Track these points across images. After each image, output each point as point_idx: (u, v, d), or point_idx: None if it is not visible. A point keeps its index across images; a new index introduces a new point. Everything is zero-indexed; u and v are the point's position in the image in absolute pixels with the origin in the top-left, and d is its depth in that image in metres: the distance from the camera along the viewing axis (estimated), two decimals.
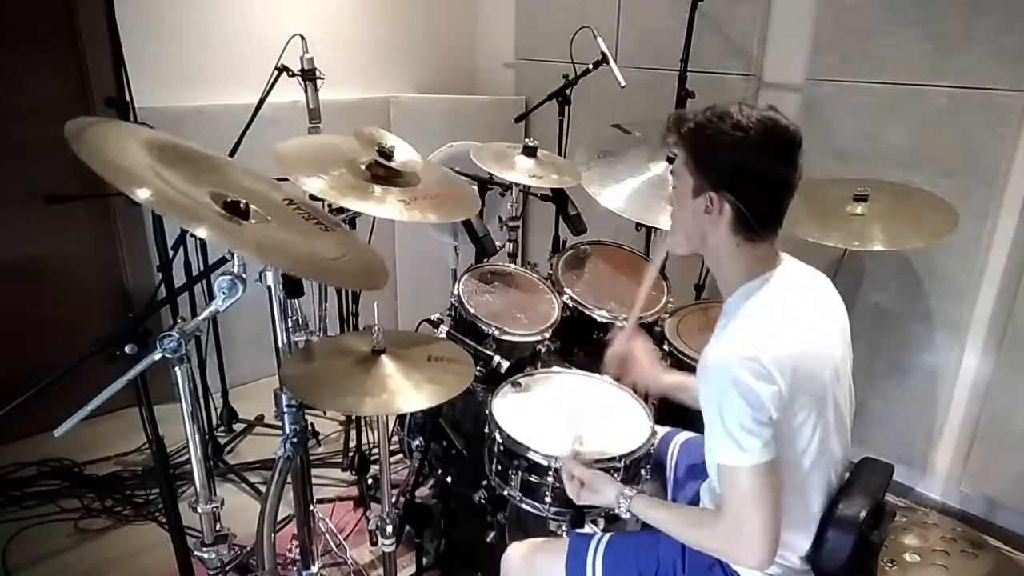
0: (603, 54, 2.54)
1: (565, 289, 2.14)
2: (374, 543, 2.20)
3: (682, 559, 1.34)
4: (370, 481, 2.41)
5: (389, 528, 1.65)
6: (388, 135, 1.79)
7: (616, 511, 1.36)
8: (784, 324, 1.18)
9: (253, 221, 1.27)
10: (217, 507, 1.46)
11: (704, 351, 1.22)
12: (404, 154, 1.77)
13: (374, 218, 2.33)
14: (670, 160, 1.29)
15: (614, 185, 2.26)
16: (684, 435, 1.72)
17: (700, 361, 1.23)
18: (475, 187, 2.25)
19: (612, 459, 1.54)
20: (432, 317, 1.92)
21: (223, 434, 2.83)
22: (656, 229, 2.55)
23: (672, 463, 1.68)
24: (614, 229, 2.51)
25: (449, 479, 2.01)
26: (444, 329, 1.87)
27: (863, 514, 1.24)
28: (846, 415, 1.30)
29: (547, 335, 1.98)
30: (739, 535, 1.14)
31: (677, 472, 1.65)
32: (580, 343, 2.14)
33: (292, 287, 1.43)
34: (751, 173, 1.18)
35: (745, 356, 1.12)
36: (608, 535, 1.43)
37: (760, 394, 1.11)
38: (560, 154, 2.76)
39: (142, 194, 1.09)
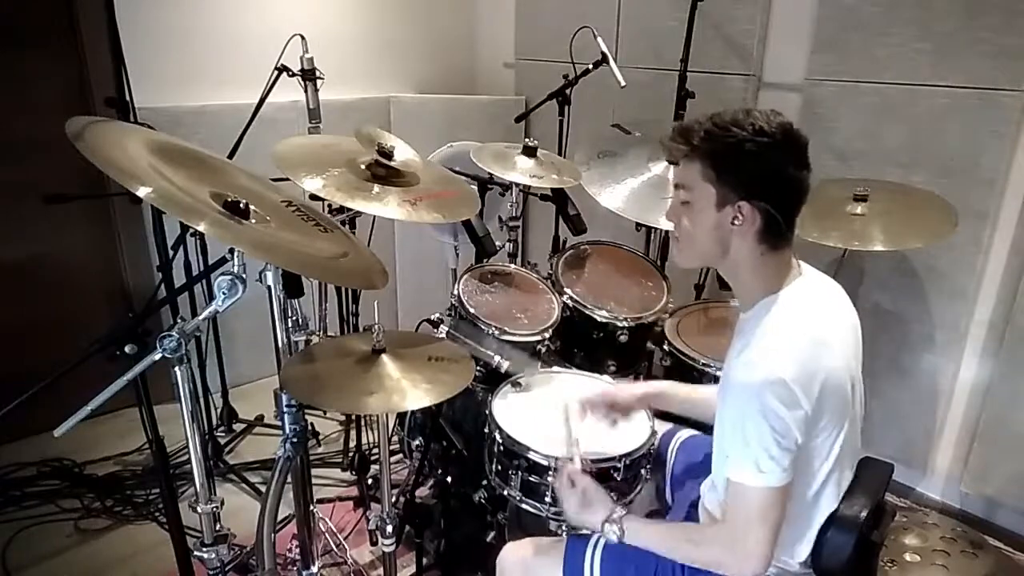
0: (603, 54, 2.54)
1: (565, 289, 2.14)
2: (374, 543, 2.20)
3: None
4: (370, 481, 2.41)
5: (389, 528, 1.65)
6: (387, 135, 1.79)
7: (603, 534, 1.33)
8: (807, 340, 1.16)
9: (253, 221, 1.28)
10: (217, 507, 1.46)
11: (726, 368, 1.22)
12: (404, 154, 1.77)
13: (374, 218, 2.34)
14: (673, 163, 1.26)
15: (614, 185, 2.27)
16: (685, 432, 1.72)
17: (723, 378, 1.22)
18: (475, 187, 2.25)
19: (612, 459, 1.54)
20: (432, 317, 1.92)
21: (223, 434, 2.83)
22: (656, 229, 2.55)
23: (671, 460, 1.68)
24: (614, 229, 2.51)
25: (449, 479, 2.01)
26: (444, 329, 1.87)
27: (864, 514, 1.24)
28: (858, 423, 1.30)
29: (547, 335, 1.98)
30: (742, 549, 1.15)
31: (676, 469, 1.66)
32: (580, 343, 2.14)
33: (292, 287, 1.43)
34: (781, 178, 1.17)
35: (771, 380, 1.10)
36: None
37: (787, 420, 1.11)
38: (560, 154, 2.76)
39: (144, 191, 1.10)
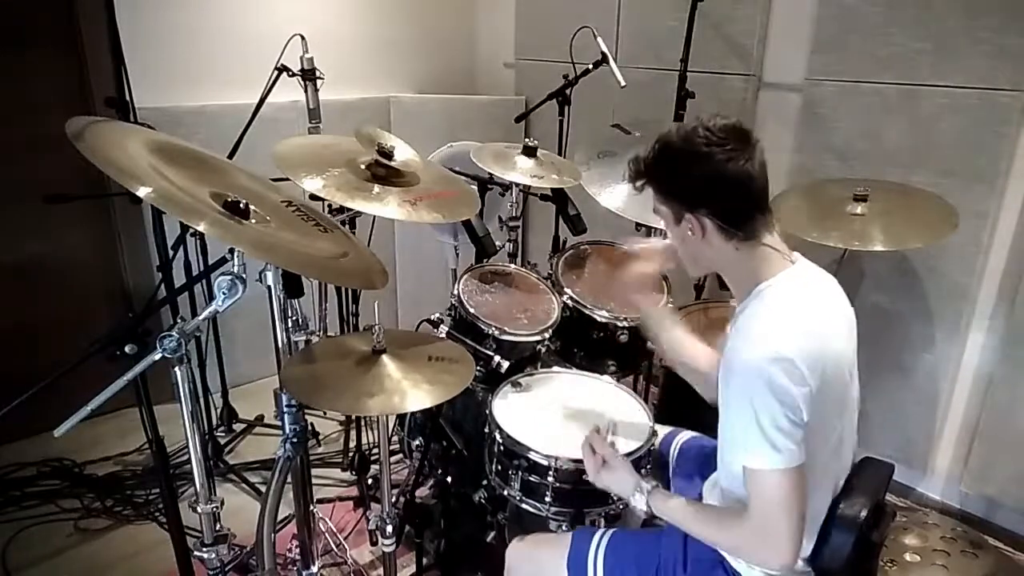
0: (603, 54, 2.54)
1: (565, 289, 2.13)
2: (374, 543, 2.20)
3: (684, 557, 1.34)
4: (370, 481, 2.41)
5: (389, 528, 1.65)
6: (387, 135, 1.79)
7: (631, 503, 1.36)
8: (807, 323, 1.17)
9: (253, 221, 1.28)
10: (217, 507, 1.46)
11: (725, 354, 1.21)
12: (404, 154, 1.77)
13: (374, 218, 2.34)
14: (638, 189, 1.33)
15: (614, 185, 2.27)
16: (686, 434, 1.72)
17: (723, 362, 1.22)
18: (475, 187, 2.25)
19: None
20: (432, 317, 1.92)
21: (223, 434, 2.83)
22: (656, 229, 2.55)
23: (673, 462, 1.68)
24: (614, 229, 2.51)
25: (449, 479, 2.01)
26: (444, 329, 1.87)
27: (864, 514, 1.24)
28: (855, 415, 1.30)
29: (547, 335, 1.98)
30: (766, 539, 1.14)
31: (678, 471, 1.66)
32: (580, 343, 2.14)
33: (292, 287, 1.43)
34: (710, 182, 1.20)
35: (778, 356, 1.11)
36: (610, 532, 1.43)
37: (795, 396, 1.11)
38: (560, 154, 2.76)
39: (144, 191, 1.10)
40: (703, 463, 1.56)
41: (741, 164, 1.18)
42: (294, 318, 1.51)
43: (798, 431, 1.12)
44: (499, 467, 1.67)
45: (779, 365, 1.10)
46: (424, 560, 2.00)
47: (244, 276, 1.27)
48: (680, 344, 1.56)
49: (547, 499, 1.60)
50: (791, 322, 1.17)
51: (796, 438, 1.12)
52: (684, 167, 1.21)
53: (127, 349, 1.27)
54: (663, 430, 1.72)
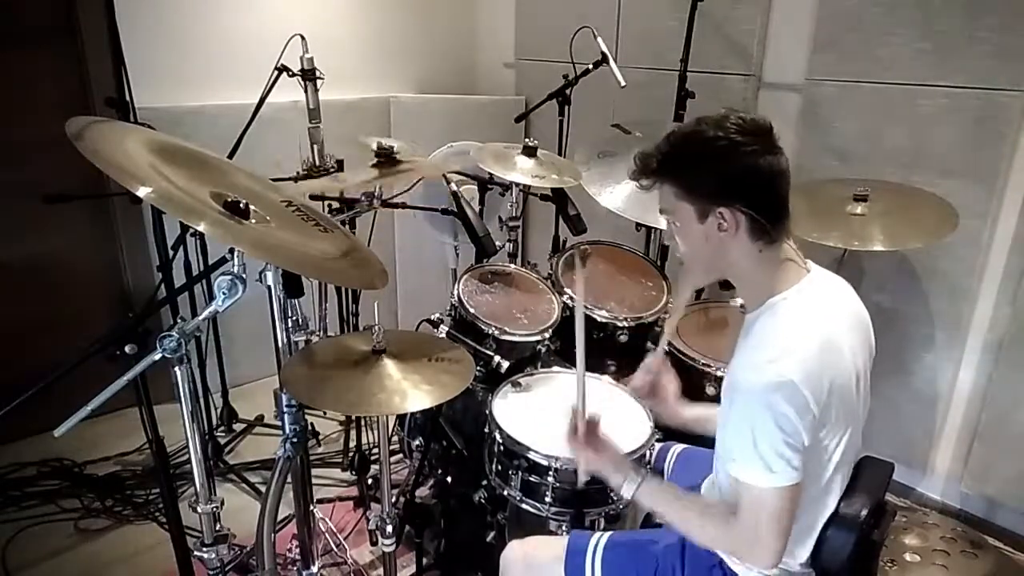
0: (603, 54, 2.54)
1: (565, 289, 2.14)
2: (374, 543, 2.20)
3: (681, 560, 1.34)
4: (370, 481, 2.41)
5: (389, 528, 1.65)
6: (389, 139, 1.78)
7: (621, 491, 1.34)
8: (816, 342, 1.14)
9: (253, 221, 1.28)
10: (217, 507, 1.46)
11: (732, 368, 1.20)
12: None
13: (374, 218, 2.34)
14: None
15: (614, 185, 2.27)
16: (680, 445, 1.72)
17: (727, 378, 1.21)
18: (475, 187, 2.25)
19: None
20: (432, 317, 1.92)
21: (223, 434, 2.83)
22: (656, 229, 2.55)
23: (669, 473, 1.67)
24: (614, 229, 2.51)
25: (449, 479, 2.01)
26: (444, 329, 1.87)
27: (864, 513, 1.24)
28: (861, 423, 1.28)
29: (547, 335, 1.98)
30: (754, 546, 1.15)
31: (675, 482, 1.64)
32: None
33: (292, 287, 1.43)
34: (748, 174, 1.16)
35: (781, 382, 1.09)
36: (608, 534, 1.43)
37: (795, 422, 1.10)
38: (560, 154, 2.76)
39: (144, 191, 1.10)
40: (700, 471, 1.54)
41: (779, 158, 1.17)
42: (294, 318, 1.51)
43: (796, 455, 1.11)
44: (499, 467, 1.67)
45: (782, 393, 1.09)
46: (424, 560, 2.00)
47: (244, 276, 1.26)
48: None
49: (547, 499, 1.60)
50: (800, 344, 1.14)
51: (794, 461, 1.11)
52: (721, 157, 1.16)
53: (127, 349, 1.27)
54: (656, 445, 1.71)
